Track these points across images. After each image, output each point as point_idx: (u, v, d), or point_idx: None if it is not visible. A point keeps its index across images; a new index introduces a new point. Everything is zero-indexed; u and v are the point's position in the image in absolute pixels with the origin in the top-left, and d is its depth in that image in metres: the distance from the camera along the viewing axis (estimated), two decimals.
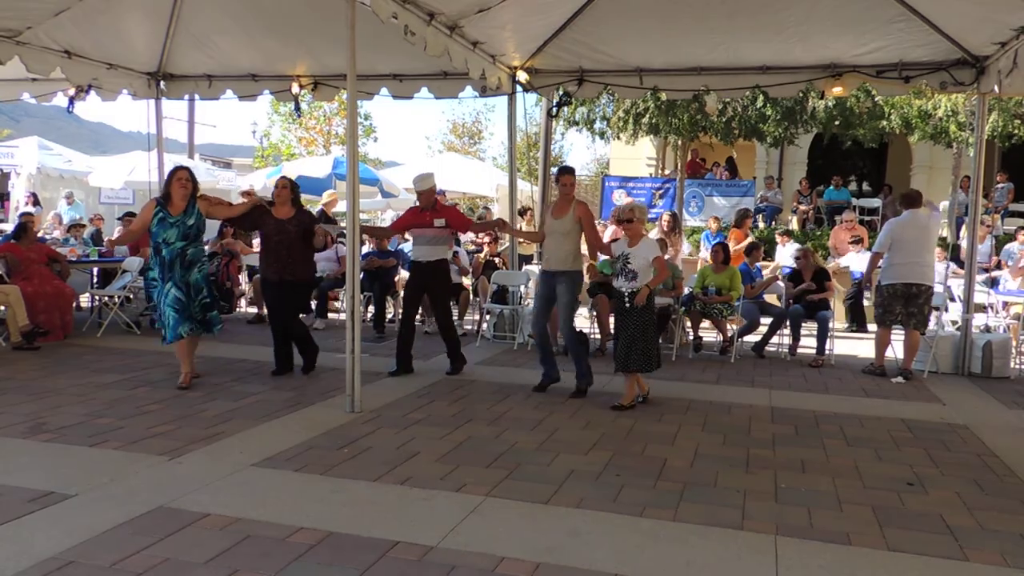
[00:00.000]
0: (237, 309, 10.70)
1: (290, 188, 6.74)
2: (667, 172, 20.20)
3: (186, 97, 10.58)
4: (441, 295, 7.07)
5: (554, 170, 8.24)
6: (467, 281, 9.96)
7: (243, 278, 10.87)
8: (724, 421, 5.71)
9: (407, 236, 8.45)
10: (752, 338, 8.81)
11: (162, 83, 10.06)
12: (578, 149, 78.47)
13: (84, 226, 12.00)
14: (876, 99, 14.61)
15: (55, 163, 16.01)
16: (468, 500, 3.88)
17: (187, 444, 4.66)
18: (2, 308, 7.65)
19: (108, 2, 7.81)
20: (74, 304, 9.14)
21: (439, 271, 6.95)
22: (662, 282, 6.63)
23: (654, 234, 10.22)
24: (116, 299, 8.99)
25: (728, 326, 8.56)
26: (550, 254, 6.49)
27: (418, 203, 7.06)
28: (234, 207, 6.88)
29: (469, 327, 9.69)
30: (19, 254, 8.15)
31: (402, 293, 10.13)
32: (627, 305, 5.86)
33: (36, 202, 14.64)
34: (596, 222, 7.95)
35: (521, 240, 9.75)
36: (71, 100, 9.90)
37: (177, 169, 6.37)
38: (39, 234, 10.15)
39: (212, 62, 9.64)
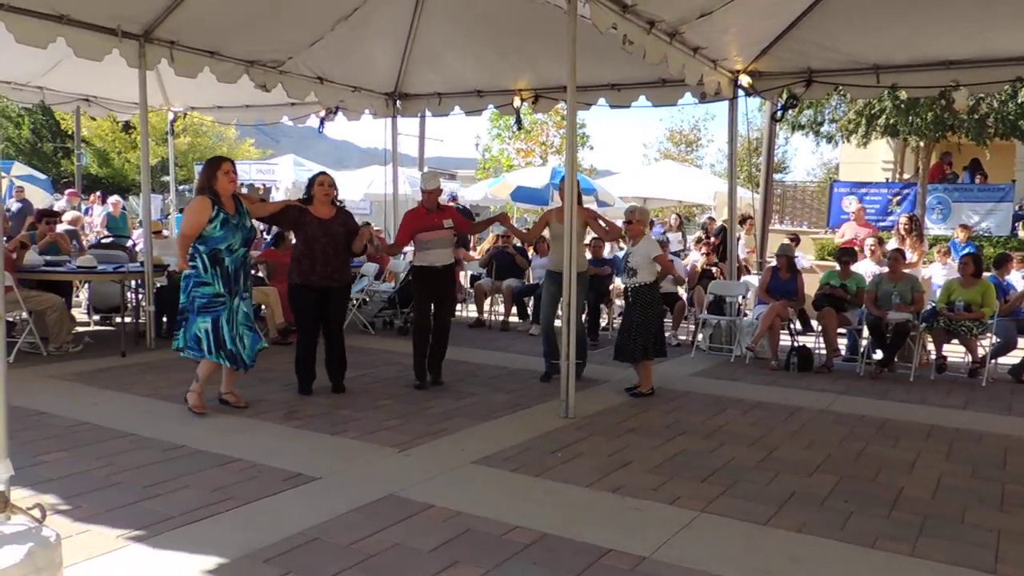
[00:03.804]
0: (456, 314, 11.28)
1: (333, 186, 6.15)
2: (906, 177, 18.54)
3: (419, 114, 11.36)
4: (452, 299, 6.76)
5: (778, 176, 7.98)
6: (682, 291, 9.78)
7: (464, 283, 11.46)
8: (973, 451, 5.14)
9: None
10: (1008, 360, 7.84)
11: (398, 102, 10.89)
12: (803, 153, 74.47)
13: None
14: None
15: (307, 178, 17.81)
16: (682, 514, 3.81)
17: (414, 438, 5.00)
18: (263, 307, 8.65)
19: (354, 30, 8.60)
20: None
21: (452, 275, 6.66)
22: (667, 276, 7.17)
23: (892, 243, 9.44)
24: (355, 301, 9.81)
25: (979, 346, 7.70)
26: (560, 257, 6.67)
27: (424, 203, 6.65)
28: (267, 205, 6.15)
29: (684, 338, 9.51)
30: (276, 259, 9.15)
31: (617, 302, 10.22)
32: (630, 300, 6.40)
33: None
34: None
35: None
36: (322, 121, 11.07)
37: (222, 160, 5.34)
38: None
39: (442, 80, 10.28)
